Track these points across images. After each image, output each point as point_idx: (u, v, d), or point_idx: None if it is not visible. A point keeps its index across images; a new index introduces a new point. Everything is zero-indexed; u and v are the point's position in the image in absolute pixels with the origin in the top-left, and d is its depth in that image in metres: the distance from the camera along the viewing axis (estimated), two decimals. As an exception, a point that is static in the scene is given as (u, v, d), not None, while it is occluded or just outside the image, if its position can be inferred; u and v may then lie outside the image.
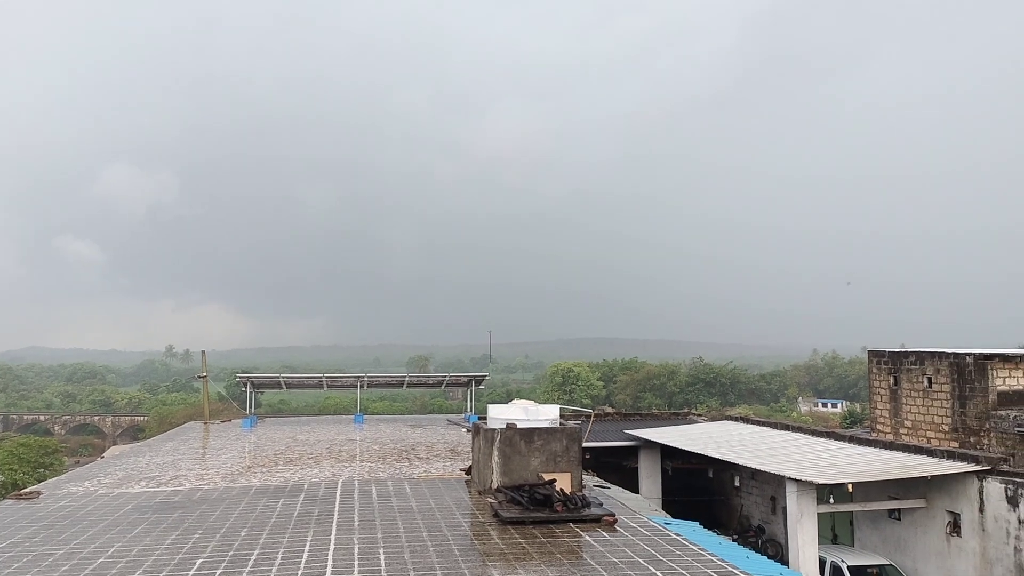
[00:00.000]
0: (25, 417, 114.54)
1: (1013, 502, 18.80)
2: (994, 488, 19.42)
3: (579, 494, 14.57)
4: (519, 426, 15.60)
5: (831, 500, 21.81)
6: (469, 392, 35.41)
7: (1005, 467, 19.93)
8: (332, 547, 11.59)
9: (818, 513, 20.72)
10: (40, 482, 22.35)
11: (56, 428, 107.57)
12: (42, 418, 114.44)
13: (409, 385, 39.15)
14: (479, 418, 23.88)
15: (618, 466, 29.92)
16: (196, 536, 12.43)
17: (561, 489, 14.57)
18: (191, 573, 10.35)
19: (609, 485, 19.19)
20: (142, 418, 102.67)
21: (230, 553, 11.34)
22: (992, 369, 22.13)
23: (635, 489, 27.23)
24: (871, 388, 27.13)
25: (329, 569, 10.45)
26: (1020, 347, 26.35)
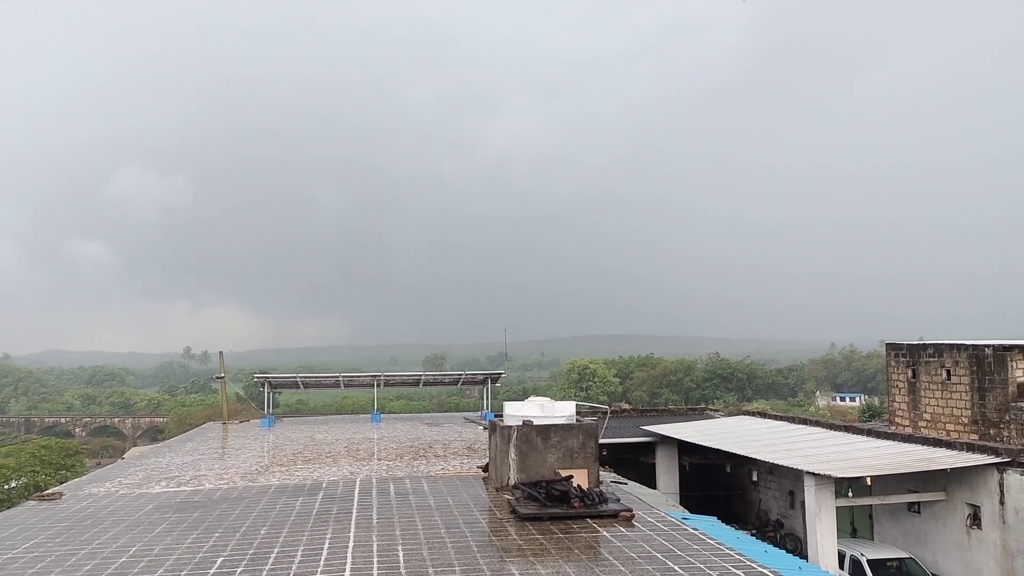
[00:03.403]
0: (46, 420, 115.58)
1: (1034, 494, 18.67)
2: (1015, 480, 19.29)
3: (596, 490, 14.56)
4: (536, 423, 15.61)
5: (850, 494, 21.72)
6: (485, 390, 35.43)
7: (1026, 459, 19.79)
8: (351, 544, 11.65)
9: (837, 507, 20.65)
10: (62, 483, 22.58)
11: (77, 430, 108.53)
12: (63, 420, 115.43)
13: (425, 384, 39.17)
14: (495, 416, 23.93)
15: (635, 462, 29.91)
16: (216, 535, 12.52)
17: (578, 485, 14.57)
18: (212, 571, 10.43)
19: (626, 481, 19.18)
20: (162, 419, 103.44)
21: (250, 552, 11.42)
22: (1012, 360, 21.96)
23: (653, 485, 27.22)
24: (889, 381, 26.98)
25: (348, 566, 10.50)
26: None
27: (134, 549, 11.73)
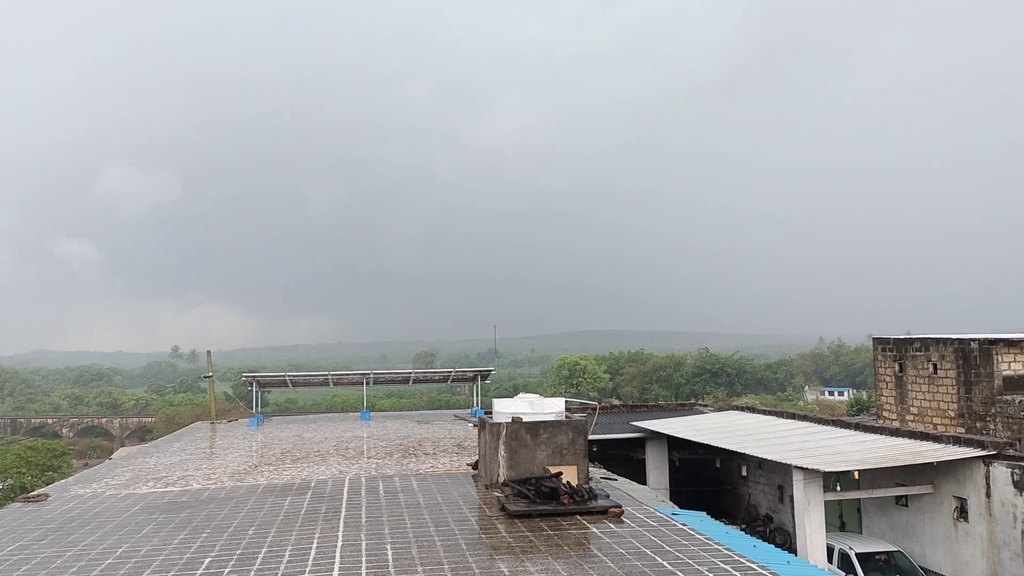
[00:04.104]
0: (33, 420, 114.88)
1: (1020, 486, 18.78)
2: (1001, 473, 19.40)
3: (586, 486, 14.58)
4: (525, 420, 15.60)
5: (838, 488, 21.81)
6: (475, 387, 35.45)
7: (1011, 452, 19.91)
8: (340, 544, 11.62)
9: (825, 501, 20.73)
10: (48, 484, 22.44)
11: (64, 431, 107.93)
12: (50, 421, 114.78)
13: (415, 381, 39.15)
14: (485, 412, 23.93)
15: (625, 458, 29.95)
16: (204, 535, 12.47)
17: (568, 482, 14.58)
18: (199, 572, 10.38)
19: (616, 477, 19.21)
20: (149, 419, 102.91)
21: (238, 552, 11.38)
22: (997, 354, 22.10)
23: (643, 480, 27.26)
24: (877, 375, 27.12)
25: (337, 565, 10.47)
26: (1025, 331, 26.28)
27: (121, 550, 11.67)
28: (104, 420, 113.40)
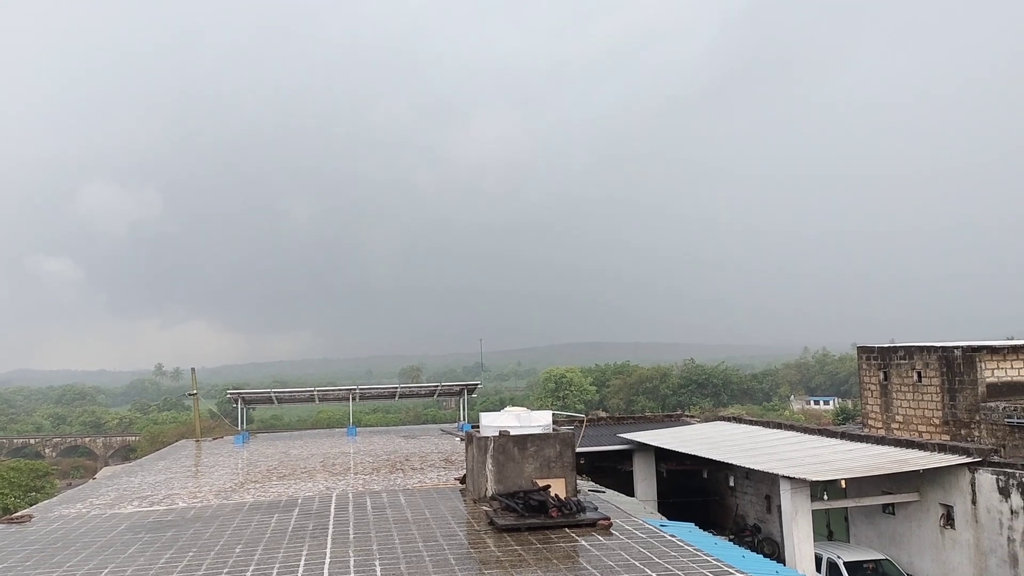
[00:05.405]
0: (15, 441, 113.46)
1: (1005, 493, 18.91)
2: (986, 479, 19.53)
3: (574, 499, 14.56)
4: (512, 433, 15.58)
5: (825, 497, 21.89)
6: (462, 401, 35.36)
7: (996, 458, 20.05)
8: (328, 561, 11.55)
9: (813, 510, 20.79)
10: (32, 505, 22.19)
11: (47, 451, 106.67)
12: (32, 441, 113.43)
13: (401, 396, 39.02)
14: (472, 426, 23.88)
15: (613, 470, 29.94)
16: (191, 555, 12.37)
17: (556, 495, 14.56)
18: (186, 592, 10.30)
19: (604, 489, 19.20)
20: (133, 438, 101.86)
21: (225, 570, 11.29)
22: (980, 361, 22.28)
23: (630, 492, 27.27)
24: (861, 384, 27.27)
25: (325, 583, 10.41)
26: (1008, 340, 26.54)
27: (106, 571, 11.55)
28: (87, 439, 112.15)
